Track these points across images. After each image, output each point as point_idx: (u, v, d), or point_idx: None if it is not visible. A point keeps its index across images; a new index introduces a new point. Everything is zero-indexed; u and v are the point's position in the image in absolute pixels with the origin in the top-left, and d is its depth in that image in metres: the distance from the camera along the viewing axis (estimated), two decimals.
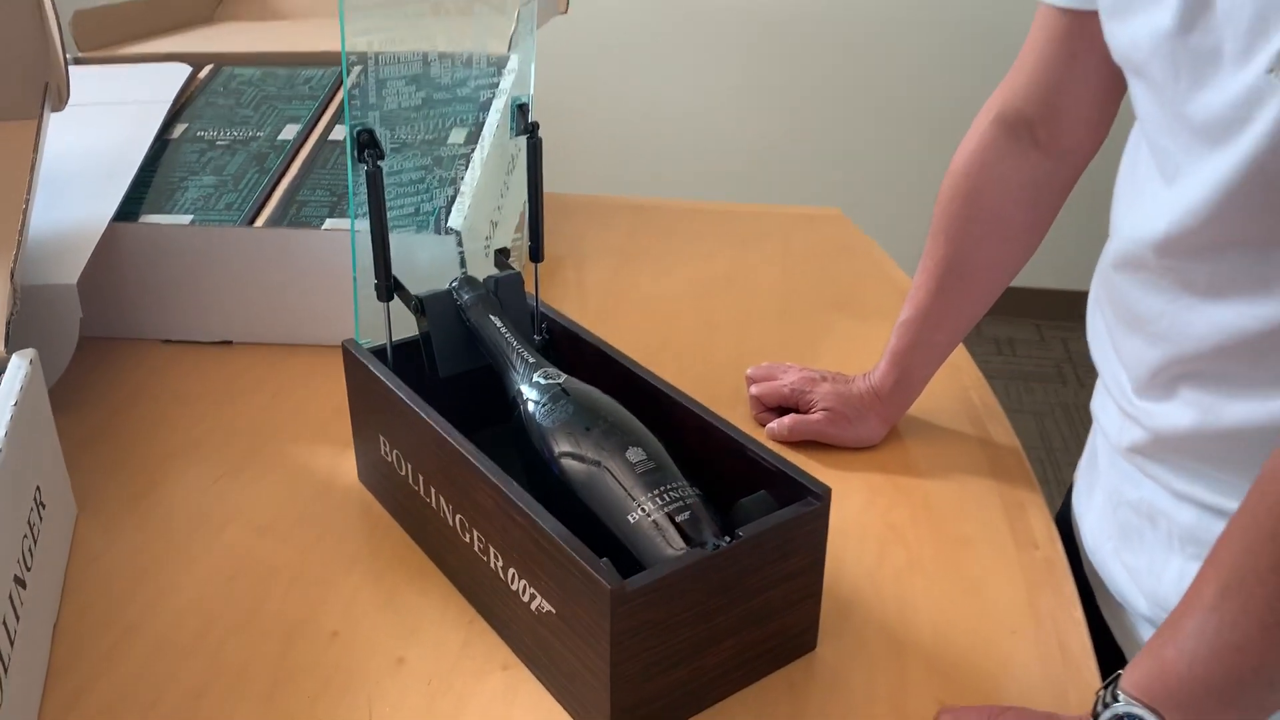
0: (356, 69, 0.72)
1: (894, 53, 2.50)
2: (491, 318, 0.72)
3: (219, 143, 1.02)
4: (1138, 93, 0.67)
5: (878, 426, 0.85)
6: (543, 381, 0.68)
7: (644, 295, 1.07)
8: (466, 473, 0.63)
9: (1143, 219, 0.66)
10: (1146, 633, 0.73)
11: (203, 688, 0.62)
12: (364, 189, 0.68)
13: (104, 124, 1.03)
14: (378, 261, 0.70)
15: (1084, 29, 0.72)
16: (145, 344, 0.97)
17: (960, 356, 0.97)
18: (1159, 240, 0.64)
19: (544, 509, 0.59)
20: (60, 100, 0.89)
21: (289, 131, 1.04)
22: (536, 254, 0.77)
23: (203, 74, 1.14)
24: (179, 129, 1.05)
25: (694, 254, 1.17)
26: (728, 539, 0.58)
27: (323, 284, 0.92)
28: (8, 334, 0.69)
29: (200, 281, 0.94)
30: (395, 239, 0.71)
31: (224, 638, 0.66)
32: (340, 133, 1.04)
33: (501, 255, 0.78)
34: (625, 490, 0.61)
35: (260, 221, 0.92)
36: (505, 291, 0.75)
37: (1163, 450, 0.70)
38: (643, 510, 0.60)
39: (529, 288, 0.77)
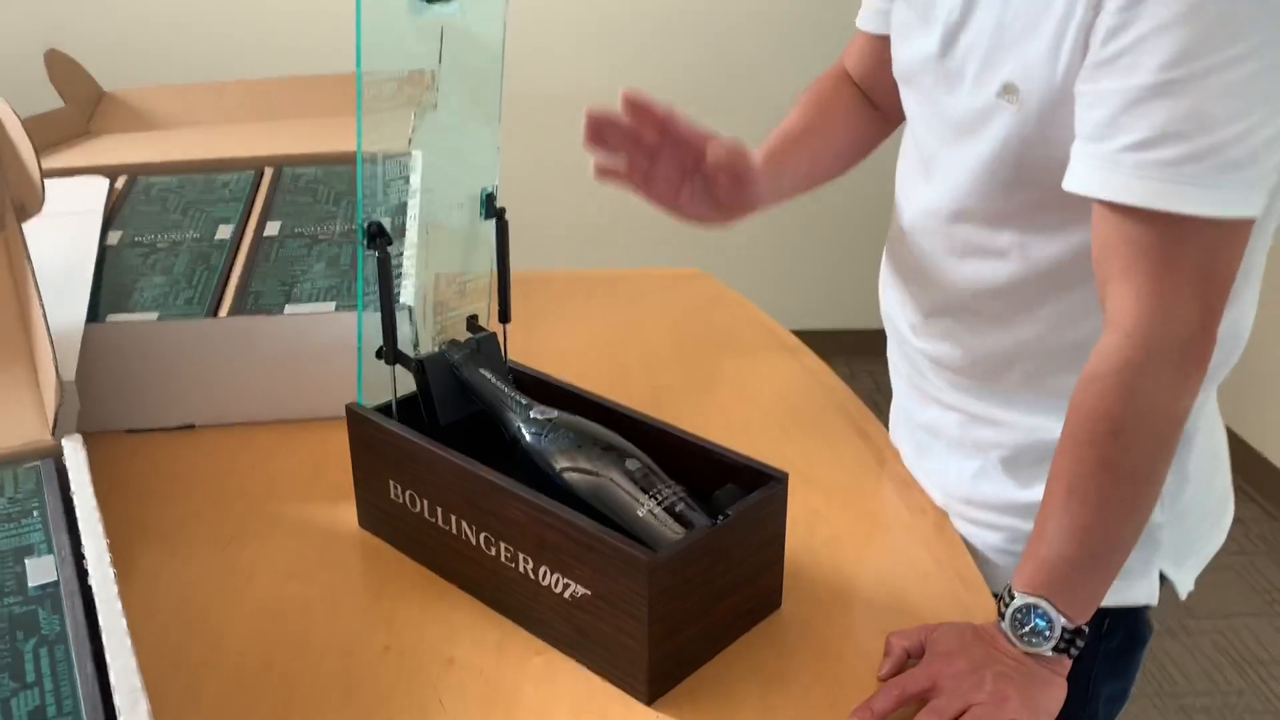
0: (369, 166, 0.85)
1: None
2: (482, 371, 0.86)
3: (159, 246, 1.11)
4: (909, 100, 0.91)
5: (760, 192, 0.88)
6: (539, 417, 0.82)
7: (557, 350, 1.22)
8: (494, 494, 0.76)
9: (914, 197, 0.90)
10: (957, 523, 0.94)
11: (284, 708, 0.72)
12: (374, 271, 0.81)
13: (43, 235, 1.09)
14: (386, 331, 0.83)
15: (885, 47, 0.95)
16: (109, 435, 1.04)
17: (832, 380, 1.17)
18: (925, 211, 0.87)
19: (573, 511, 0.73)
20: (25, 212, 0.96)
21: (224, 231, 1.14)
22: (505, 316, 0.91)
23: (119, 184, 1.22)
24: (114, 236, 1.13)
25: (588, 314, 1.33)
26: (719, 518, 0.74)
27: (283, 364, 1.03)
28: (55, 423, 0.77)
29: (164, 372, 1.02)
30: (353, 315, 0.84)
31: (288, 664, 0.76)
32: (272, 229, 1.14)
33: (473, 320, 0.92)
34: (629, 494, 0.76)
35: (223, 312, 1.02)
36: (486, 349, 0.89)
37: (937, 372, 0.92)
38: (647, 507, 0.75)
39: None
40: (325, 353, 1.01)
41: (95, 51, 1.68)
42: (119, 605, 0.61)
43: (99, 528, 0.68)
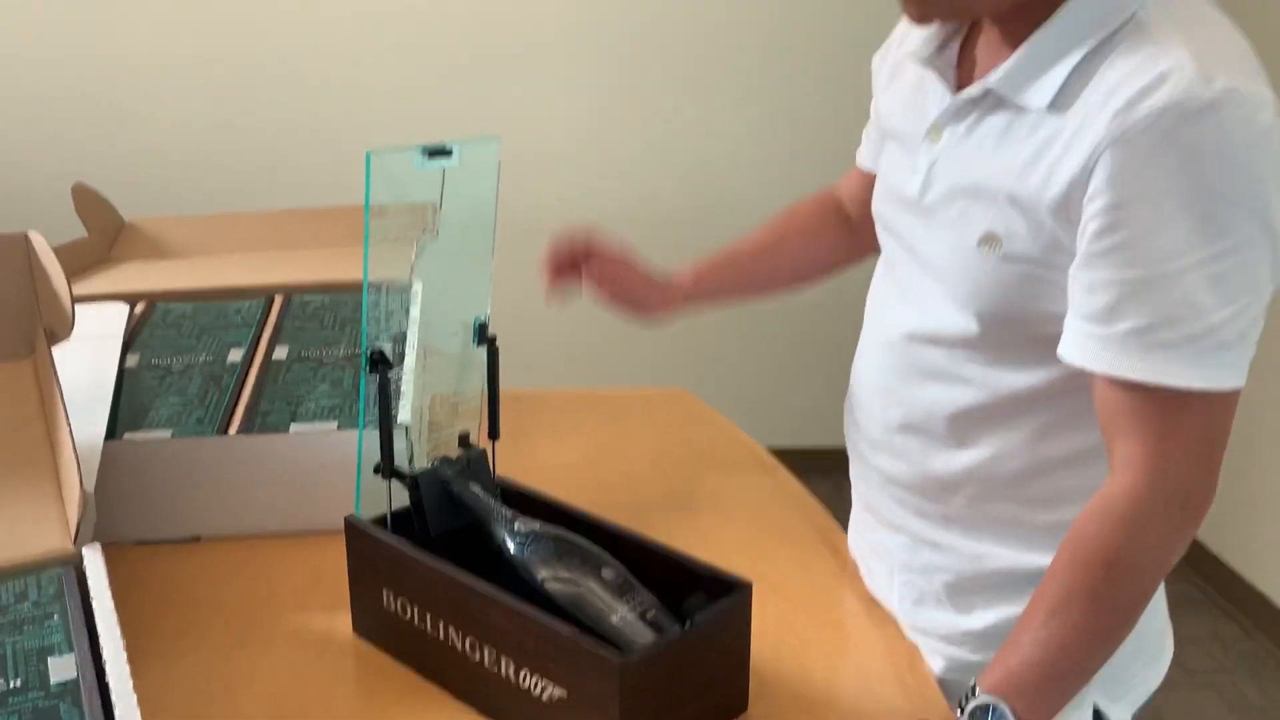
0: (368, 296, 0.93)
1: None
2: (471, 486, 0.93)
3: (174, 368, 1.19)
4: (886, 237, 0.98)
5: (659, 306, 1.11)
6: (523, 529, 0.89)
7: (545, 464, 1.29)
8: (478, 601, 0.83)
9: (885, 317, 0.97)
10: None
11: None
12: (375, 394, 0.89)
13: (67, 358, 1.17)
14: (384, 449, 0.90)
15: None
16: (120, 546, 1.10)
17: (804, 496, 1.24)
18: (894, 331, 0.94)
19: (550, 616, 0.79)
20: (55, 336, 1.04)
21: (235, 355, 1.22)
22: (494, 433, 0.99)
23: (138, 310, 1.31)
24: (133, 358, 1.21)
25: (574, 431, 1.40)
26: (687, 624, 0.80)
27: (287, 480, 1.10)
28: (77, 533, 0.84)
29: (175, 487, 1.09)
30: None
31: None
32: (280, 353, 1.23)
33: (464, 437, 1.00)
34: (605, 601, 0.83)
35: (233, 430, 1.09)
36: (476, 464, 0.96)
37: (887, 490, 0.98)
38: (620, 614, 0.82)
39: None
40: (327, 469, 1.08)
41: (117, 183, 1.79)
42: (134, 701, 0.67)
43: (116, 630, 0.74)
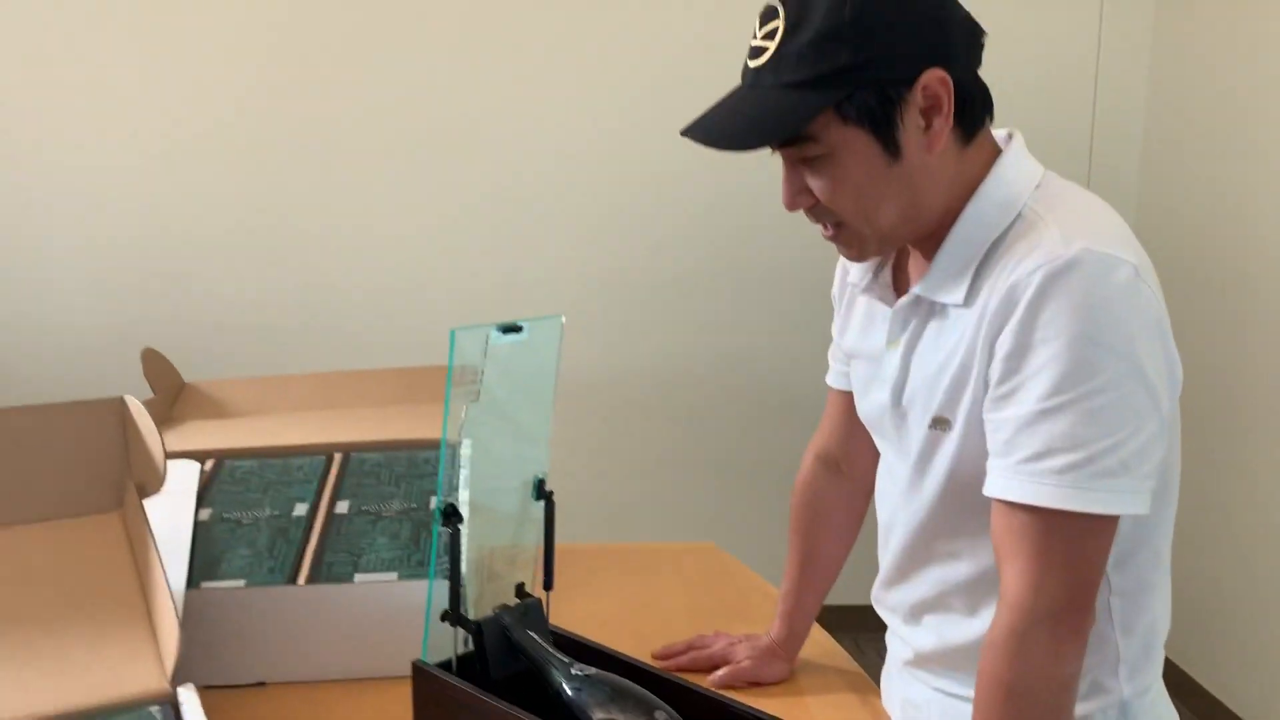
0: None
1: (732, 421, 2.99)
2: (529, 633, 1.01)
3: (244, 522, 1.28)
4: (878, 438, 1.09)
5: (784, 666, 1.22)
6: (578, 673, 0.96)
7: (582, 617, 1.35)
8: None
9: (892, 516, 1.06)
10: None
11: None
12: (445, 545, 0.98)
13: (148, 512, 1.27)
14: (452, 598, 0.99)
15: (849, 399, 1.14)
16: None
17: (832, 646, 1.31)
18: (897, 522, 1.04)
19: None
20: (145, 491, 1.14)
21: (300, 509, 1.31)
22: (549, 584, 1.07)
23: (207, 466, 1.41)
24: (204, 512, 1.30)
25: (611, 584, 1.48)
26: None
27: (352, 627, 1.17)
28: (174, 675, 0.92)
29: (245, 634, 1.16)
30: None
31: None
32: (342, 507, 1.32)
33: (520, 587, 1.08)
34: None
35: (301, 580, 1.18)
36: (532, 613, 1.04)
37: (921, 661, 1.07)
38: None
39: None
40: (389, 618, 1.16)
41: (173, 347, 1.92)
42: None
43: None
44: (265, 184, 2.77)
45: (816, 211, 0.95)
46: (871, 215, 0.92)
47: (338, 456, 1.45)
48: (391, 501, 1.33)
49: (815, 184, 0.92)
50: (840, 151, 0.89)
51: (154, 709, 0.90)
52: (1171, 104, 2.81)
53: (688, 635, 1.33)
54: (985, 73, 0.94)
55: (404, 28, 2.74)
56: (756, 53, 0.91)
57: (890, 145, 0.89)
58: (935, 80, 0.88)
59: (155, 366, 1.73)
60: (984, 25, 0.93)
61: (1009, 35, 2.53)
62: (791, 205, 0.95)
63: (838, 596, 1.32)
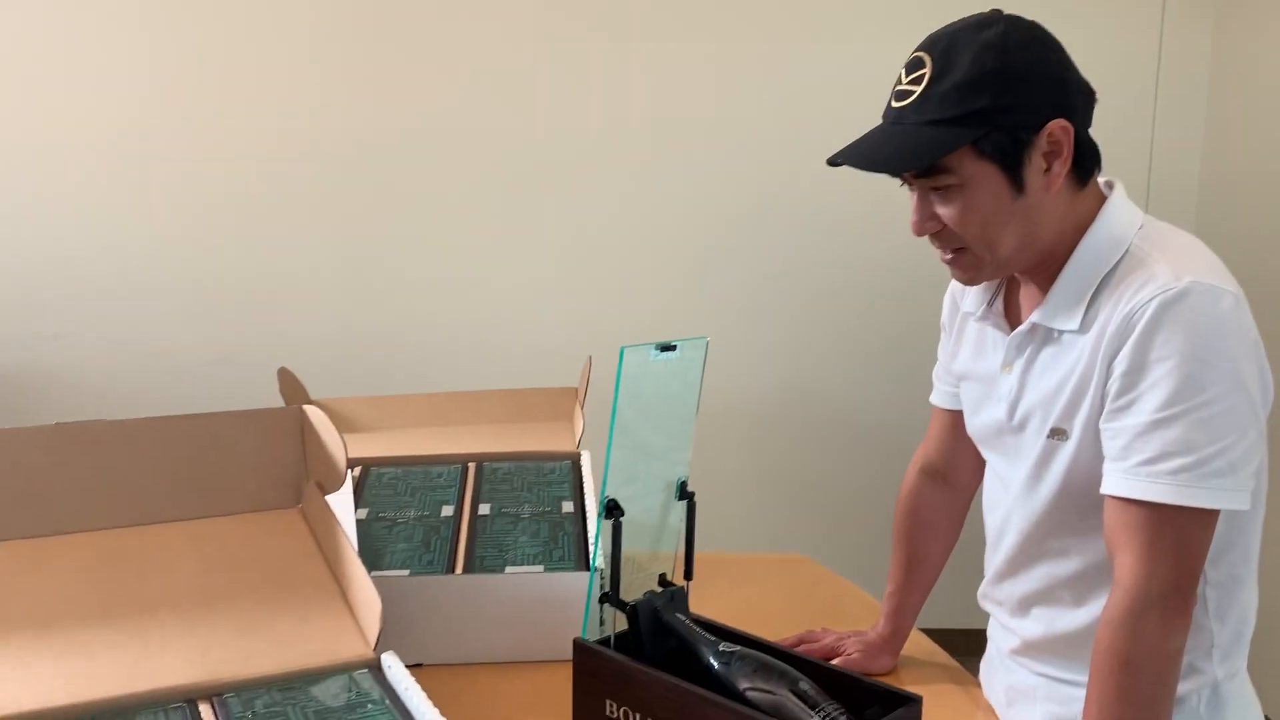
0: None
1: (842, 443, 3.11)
2: (678, 615, 1.14)
3: (399, 521, 1.42)
4: (988, 453, 1.22)
5: (890, 660, 1.34)
6: (726, 649, 1.09)
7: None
8: (699, 705, 1.02)
9: (1004, 519, 1.18)
10: None
11: None
12: (608, 536, 1.11)
13: None
14: (613, 583, 1.12)
15: (959, 418, 1.27)
16: None
17: (930, 645, 1.42)
18: (1007, 524, 1.17)
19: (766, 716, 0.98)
20: (324, 489, 1.28)
21: (446, 510, 1.45)
22: (689, 574, 1.20)
23: (355, 472, 1.55)
24: (361, 512, 1.44)
25: (709, 590, 1.59)
26: None
27: (500, 614, 1.30)
28: (377, 642, 1.05)
29: (405, 619, 1.30)
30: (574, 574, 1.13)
31: None
32: (484, 509, 1.46)
33: (663, 576, 1.21)
34: (801, 709, 1.02)
35: (458, 570, 1.31)
36: (678, 598, 1.17)
37: (1028, 649, 1.19)
38: (816, 717, 1.01)
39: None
40: (535, 606, 1.29)
41: (301, 365, 2.07)
42: None
43: (434, 711, 0.94)
44: (374, 219, 2.93)
45: (942, 236, 1.08)
46: (993, 242, 1.06)
47: (472, 465, 1.59)
48: (526, 506, 1.47)
49: (944, 212, 1.06)
50: (972, 183, 1.03)
51: (362, 672, 1.03)
52: (1230, 118, 2.90)
53: (790, 631, 1.45)
54: None
55: (536, 49, 2.88)
56: (903, 95, 1.05)
57: (1016, 181, 1.03)
58: (1059, 129, 1.02)
59: (289, 384, 1.88)
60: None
61: (1069, 49, 2.65)
62: (920, 230, 1.08)
63: (930, 619, 1.44)
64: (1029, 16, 1.06)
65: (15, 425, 1.20)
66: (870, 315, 3.01)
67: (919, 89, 1.03)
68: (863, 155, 1.04)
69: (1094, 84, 1.08)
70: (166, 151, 2.83)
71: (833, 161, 1.06)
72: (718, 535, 3.02)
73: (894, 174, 1.06)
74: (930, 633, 1.46)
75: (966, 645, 1.48)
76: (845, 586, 1.64)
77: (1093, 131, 1.08)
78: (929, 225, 1.07)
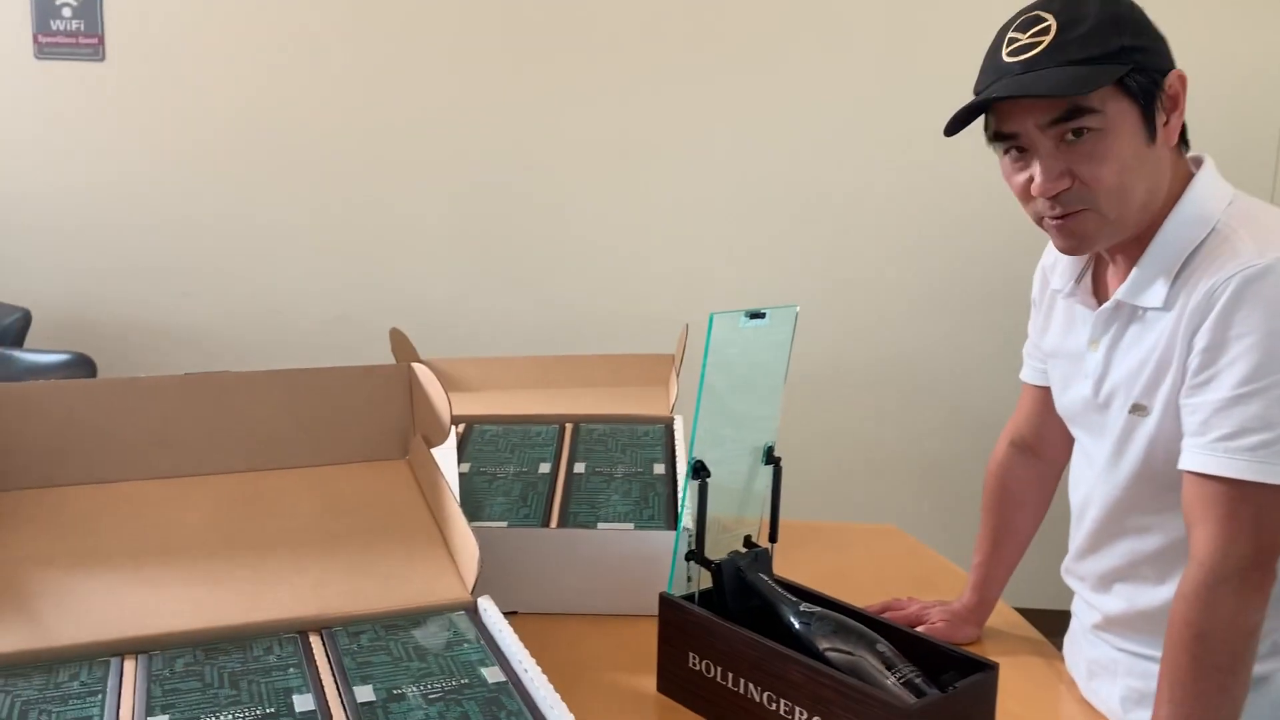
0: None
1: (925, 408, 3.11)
2: (761, 575, 1.18)
3: (499, 476, 1.49)
4: (1075, 429, 1.21)
5: (974, 630, 1.35)
6: (807, 610, 1.12)
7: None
8: (779, 661, 1.06)
9: (1084, 492, 1.19)
10: None
11: None
12: (694, 496, 1.15)
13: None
14: (698, 540, 1.16)
15: (1049, 394, 1.27)
16: None
17: (1015, 617, 1.43)
18: (1092, 502, 1.17)
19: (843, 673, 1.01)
20: (431, 442, 1.35)
21: (544, 467, 1.51)
22: (774, 537, 1.24)
23: (459, 429, 1.62)
24: (464, 466, 1.51)
25: (801, 557, 1.62)
26: (950, 689, 1.01)
27: (591, 568, 1.36)
28: (475, 586, 1.11)
29: (501, 569, 1.36)
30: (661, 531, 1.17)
31: None
32: (579, 468, 1.51)
33: (748, 538, 1.24)
34: (878, 669, 1.05)
35: (553, 524, 1.37)
36: (762, 559, 1.21)
37: (1109, 625, 1.19)
38: (892, 679, 1.03)
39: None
40: (626, 561, 1.34)
41: (413, 327, 2.16)
42: (557, 697, 0.92)
43: (524, 651, 1.00)
44: (489, 189, 3.01)
45: (1068, 196, 1.04)
46: (1127, 193, 1.03)
47: (569, 426, 1.64)
48: (620, 466, 1.52)
49: (1079, 164, 1.03)
50: (1114, 126, 1.01)
51: (459, 614, 1.09)
52: None
53: (876, 599, 1.48)
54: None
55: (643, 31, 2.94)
56: (1028, 48, 1.02)
57: (1150, 126, 1.03)
58: (1177, 79, 1.03)
59: (400, 343, 1.96)
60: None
61: (1196, 44, 2.58)
62: (1049, 190, 1.04)
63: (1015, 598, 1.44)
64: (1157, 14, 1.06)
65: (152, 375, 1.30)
66: (967, 286, 2.98)
67: (1047, 39, 1.01)
68: (1025, 87, 1.00)
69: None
70: (288, 121, 2.95)
71: (983, 101, 1.02)
72: (810, 505, 3.05)
73: (990, 136, 1.05)
74: (1021, 611, 1.46)
75: (1059, 625, 1.48)
76: (934, 558, 1.65)
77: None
78: (1060, 183, 1.04)
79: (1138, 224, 1.07)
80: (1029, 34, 1.03)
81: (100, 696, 0.91)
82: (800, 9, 2.88)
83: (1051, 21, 1.02)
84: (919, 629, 1.32)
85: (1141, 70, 1.00)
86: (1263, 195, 2.79)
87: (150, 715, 0.88)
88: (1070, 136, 1.02)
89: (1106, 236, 1.09)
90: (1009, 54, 1.04)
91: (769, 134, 2.93)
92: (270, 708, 0.90)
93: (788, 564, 1.58)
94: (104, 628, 1.02)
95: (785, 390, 1.24)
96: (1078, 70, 0.99)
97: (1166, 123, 1.03)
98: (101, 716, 0.88)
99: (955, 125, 1.06)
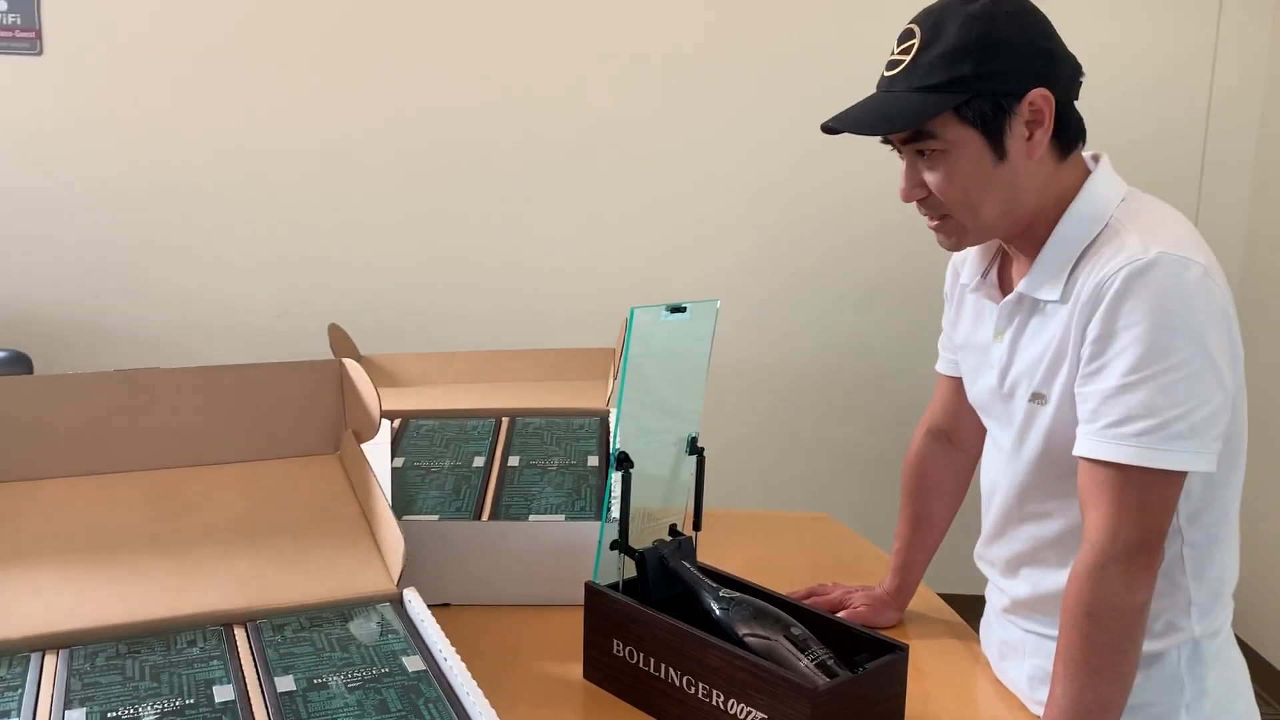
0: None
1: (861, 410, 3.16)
2: (684, 562, 1.21)
3: (433, 470, 1.50)
4: (985, 418, 1.26)
5: (895, 614, 1.39)
6: (726, 596, 1.15)
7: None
8: (698, 645, 1.09)
9: (994, 482, 1.23)
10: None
11: None
12: (618, 486, 1.18)
13: None
14: (622, 530, 1.18)
15: (962, 384, 1.31)
16: None
17: (938, 603, 1.47)
18: (998, 488, 1.21)
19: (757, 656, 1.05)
20: (361, 437, 1.36)
21: (478, 461, 1.53)
22: (697, 525, 1.27)
23: (395, 424, 1.64)
24: (397, 460, 1.53)
25: (732, 545, 1.66)
26: (859, 670, 1.05)
27: (525, 559, 1.38)
28: (400, 578, 1.13)
29: (435, 561, 1.38)
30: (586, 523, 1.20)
31: None
32: (513, 461, 1.53)
33: (673, 527, 1.27)
34: (792, 652, 1.08)
35: (484, 517, 1.39)
36: (685, 547, 1.23)
37: (1016, 607, 1.23)
38: (805, 662, 1.07)
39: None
40: (557, 553, 1.37)
41: (353, 324, 2.16)
42: (475, 686, 0.94)
43: (446, 641, 1.02)
44: (433, 189, 3.02)
45: (928, 204, 1.12)
46: (975, 208, 1.10)
47: (505, 420, 1.66)
48: (553, 459, 1.54)
49: (930, 178, 1.10)
50: (955, 149, 1.07)
51: (385, 605, 1.11)
52: None
53: (806, 583, 1.51)
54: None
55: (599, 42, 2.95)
56: (893, 65, 1.09)
57: (998, 147, 1.07)
58: (1040, 98, 1.06)
59: (339, 340, 1.97)
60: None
61: (1123, 45, 2.65)
62: (908, 196, 1.12)
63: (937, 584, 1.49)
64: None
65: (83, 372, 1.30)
66: (887, 278, 3.03)
67: (908, 58, 1.07)
68: (853, 120, 1.09)
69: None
70: (229, 116, 2.94)
71: (826, 126, 1.11)
72: (756, 496, 3.10)
73: (882, 137, 1.10)
74: (944, 596, 1.50)
75: (980, 609, 1.52)
76: (863, 545, 1.69)
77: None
78: (915, 191, 1.12)
79: (1011, 227, 1.12)
80: (900, 48, 1.09)
81: (19, 691, 0.92)
82: (746, 7, 2.91)
83: (916, 40, 1.07)
84: (841, 614, 1.36)
85: (986, 95, 1.05)
86: (1190, 186, 2.87)
87: (69, 709, 0.90)
88: (923, 151, 1.09)
89: (977, 237, 1.14)
90: (886, 67, 1.11)
91: (717, 132, 2.96)
92: (190, 699, 0.92)
93: (721, 552, 1.61)
94: (27, 623, 1.03)
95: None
96: (912, 99, 1.06)
97: (1030, 138, 1.07)
98: (19, 711, 0.89)
99: (830, 131, 1.12)
